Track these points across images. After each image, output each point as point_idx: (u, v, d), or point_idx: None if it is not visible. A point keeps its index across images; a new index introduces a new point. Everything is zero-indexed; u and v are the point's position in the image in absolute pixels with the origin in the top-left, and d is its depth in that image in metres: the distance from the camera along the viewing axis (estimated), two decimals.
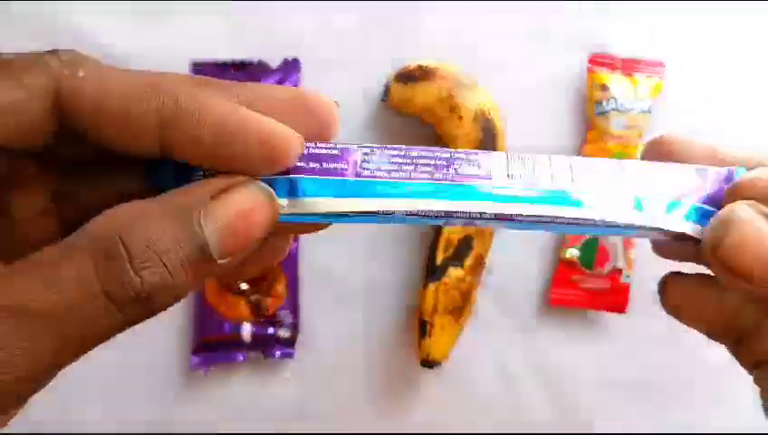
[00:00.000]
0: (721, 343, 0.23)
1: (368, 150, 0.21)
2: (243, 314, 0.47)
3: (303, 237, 0.48)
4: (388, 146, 0.22)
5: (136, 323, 0.17)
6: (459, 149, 0.22)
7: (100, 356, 0.49)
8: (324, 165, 0.20)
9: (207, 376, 0.48)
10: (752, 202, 0.19)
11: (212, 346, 0.47)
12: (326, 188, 0.20)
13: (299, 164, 0.20)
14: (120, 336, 0.50)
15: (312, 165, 0.20)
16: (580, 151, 0.48)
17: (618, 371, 0.49)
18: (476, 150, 0.22)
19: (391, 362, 0.49)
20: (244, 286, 0.47)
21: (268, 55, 0.47)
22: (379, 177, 0.21)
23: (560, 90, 0.49)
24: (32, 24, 0.46)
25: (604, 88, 0.47)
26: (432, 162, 0.21)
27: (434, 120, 0.45)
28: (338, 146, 0.21)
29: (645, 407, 0.49)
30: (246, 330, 0.47)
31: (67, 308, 0.15)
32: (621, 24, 0.48)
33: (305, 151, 0.20)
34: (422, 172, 0.21)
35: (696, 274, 0.22)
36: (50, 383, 0.51)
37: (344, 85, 0.47)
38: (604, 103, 0.47)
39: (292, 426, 0.48)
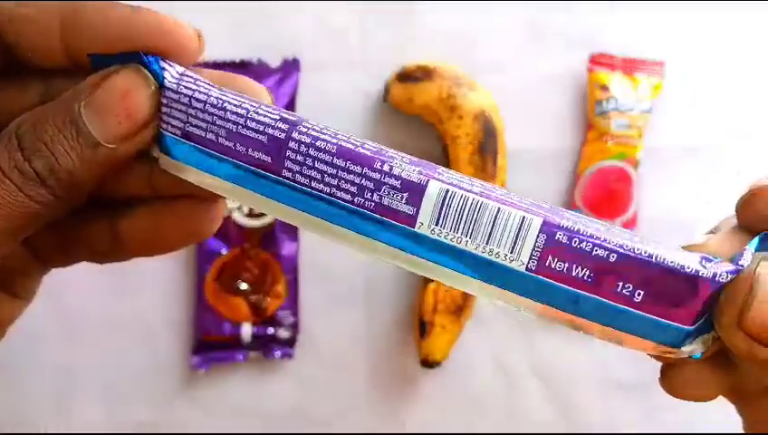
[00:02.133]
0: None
1: (302, 138, 0.18)
2: (243, 315, 0.47)
3: (304, 238, 0.48)
4: (323, 135, 0.19)
5: (50, 207, 0.19)
6: (398, 159, 0.18)
7: (100, 356, 0.49)
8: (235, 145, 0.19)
9: (207, 376, 0.48)
10: None
11: (212, 346, 0.47)
12: (215, 166, 0.19)
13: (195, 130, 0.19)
14: (119, 336, 0.50)
15: (211, 133, 0.19)
16: (580, 151, 0.48)
17: (617, 371, 0.49)
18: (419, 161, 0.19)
19: (391, 362, 0.49)
20: (244, 287, 0.47)
21: (268, 55, 0.47)
22: (299, 183, 0.19)
23: (560, 90, 0.49)
24: None
25: (604, 88, 0.47)
26: (359, 179, 0.18)
27: (434, 119, 0.45)
28: (275, 124, 0.19)
29: (644, 407, 0.49)
30: (246, 330, 0.47)
31: None
32: (621, 24, 0.48)
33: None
34: (344, 191, 0.18)
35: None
36: (49, 384, 0.51)
37: (344, 85, 0.47)
38: (604, 103, 0.47)
39: (292, 426, 0.48)
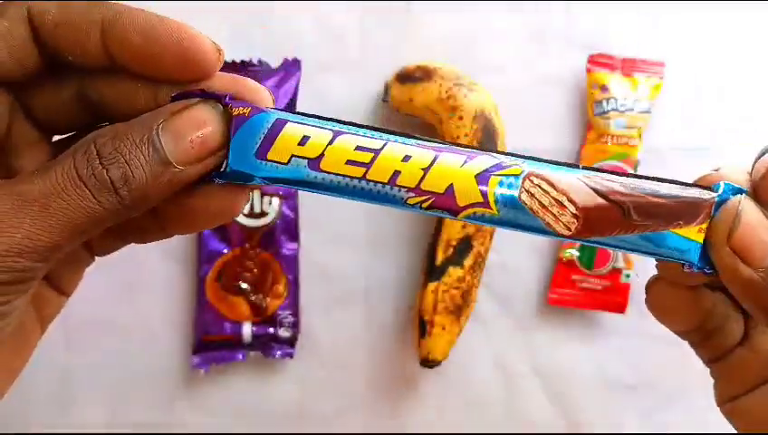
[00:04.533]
0: (688, 340, 0.27)
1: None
2: (243, 314, 0.47)
3: (304, 238, 0.48)
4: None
5: (116, 214, 0.20)
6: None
7: (100, 356, 0.49)
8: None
9: (207, 376, 0.48)
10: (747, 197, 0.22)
11: (212, 346, 0.47)
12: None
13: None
14: (120, 336, 0.50)
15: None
16: (579, 151, 0.48)
17: (617, 371, 0.49)
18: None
19: (391, 362, 0.49)
20: (244, 286, 0.47)
21: (268, 55, 0.47)
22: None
23: (560, 90, 0.49)
24: None
25: (604, 88, 0.47)
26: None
27: (434, 120, 0.45)
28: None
29: (644, 407, 0.49)
30: (247, 330, 0.47)
31: (54, 193, 0.19)
32: (621, 24, 0.48)
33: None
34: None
35: (675, 280, 0.25)
36: (50, 385, 0.51)
37: (344, 85, 0.47)
38: (604, 103, 0.47)
39: (292, 426, 0.48)
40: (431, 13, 0.48)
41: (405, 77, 0.45)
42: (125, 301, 0.47)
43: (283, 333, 0.47)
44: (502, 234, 0.47)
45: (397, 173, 0.21)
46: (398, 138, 0.21)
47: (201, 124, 0.21)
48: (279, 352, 0.47)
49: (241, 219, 0.46)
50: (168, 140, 0.20)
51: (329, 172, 0.21)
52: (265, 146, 0.21)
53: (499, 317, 0.49)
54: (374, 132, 0.21)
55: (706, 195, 0.22)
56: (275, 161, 0.21)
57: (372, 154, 0.21)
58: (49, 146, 0.24)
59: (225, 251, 0.47)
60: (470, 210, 0.21)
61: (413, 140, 0.21)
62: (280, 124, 0.21)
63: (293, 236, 0.47)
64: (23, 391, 0.46)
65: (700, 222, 0.21)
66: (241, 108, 0.21)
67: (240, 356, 0.47)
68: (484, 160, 0.21)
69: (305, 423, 0.48)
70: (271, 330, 0.47)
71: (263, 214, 0.47)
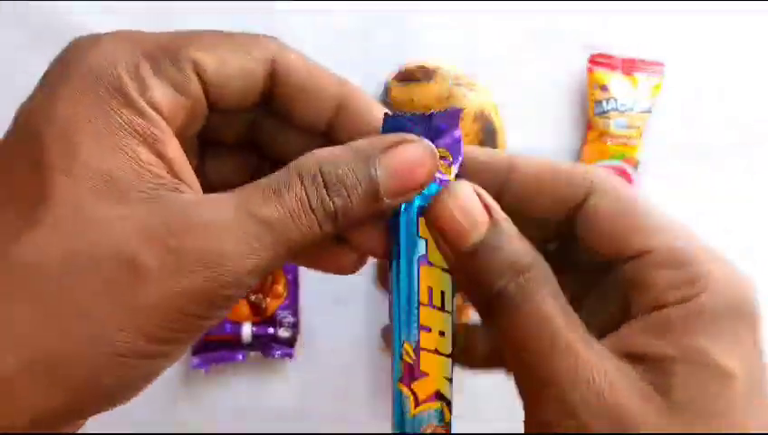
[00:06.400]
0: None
1: None
2: (243, 314, 0.47)
3: None
4: None
5: (322, 239, 0.21)
6: None
7: None
8: None
9: (207, 376, 0.48)
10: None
11: (212, 346, 0.47)
12: None
13: None
14: None
15: None
16: (580, 151, 0.48)
17: None
18: None
19: (391, 362, 0.48)
20: None
21: None
22: None
23: (560, 90, 0.49)
24: (32, 23, 0.46)
25: (604, 88, 0.47)
26: None
27: None
28: None
29: None
30: (246, 330, 0.47)
31: (289, 218, 0.20)
32: (621, 24, 0.48)
33: None
34: None
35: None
36: None
37: None
38: (604, 103, 0.47)
39: (292, 426, 0.48)
40: (431, 13, 0.48)
41: (405, 77, 0.45)
42: None
43: (283, 333, 0.47)
44: None
45: (427, 328, 0.23)
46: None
47: (414, 164, 0.21)
48: (279, 353, 0.47)
49: None
50: (384, 174, 0.20)
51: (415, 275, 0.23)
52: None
53: None
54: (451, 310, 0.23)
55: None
56: (421, 236, 0.22)
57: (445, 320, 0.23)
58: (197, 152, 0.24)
59: None
60: (407, 390, 0.24)
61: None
62: None
63: None
64: None
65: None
66: (451, 168, 0.22)
67: (240, 356, 0.47)
68: (448, 387, 0.24)
69: (305, 423, 0.48)
70: (270, 330, 0.47)
71: None
